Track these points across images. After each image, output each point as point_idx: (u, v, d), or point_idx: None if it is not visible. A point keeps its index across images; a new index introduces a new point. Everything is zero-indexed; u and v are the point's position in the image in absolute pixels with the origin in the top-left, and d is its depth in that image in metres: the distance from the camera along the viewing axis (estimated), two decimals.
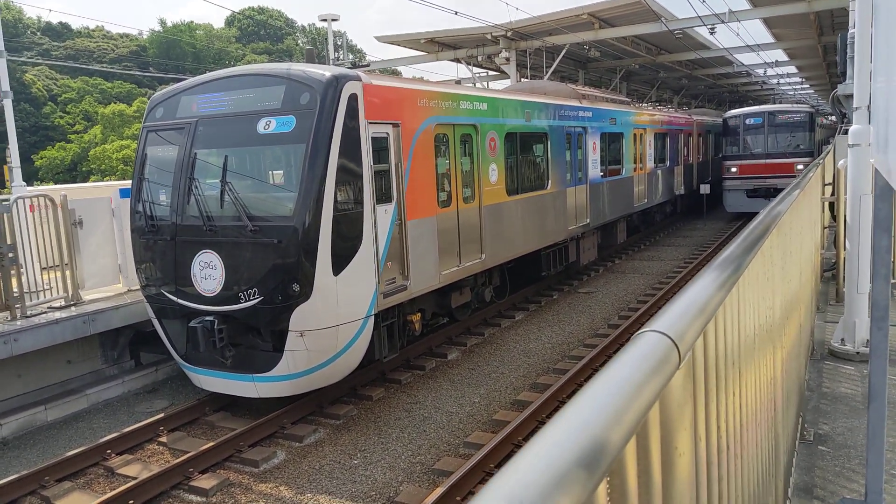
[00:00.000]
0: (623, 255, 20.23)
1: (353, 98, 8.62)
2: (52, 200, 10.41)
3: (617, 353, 1.38)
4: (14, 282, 9.73)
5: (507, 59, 25.12)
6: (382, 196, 9.20)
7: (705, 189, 27.26)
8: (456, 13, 19.63)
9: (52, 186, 24.06)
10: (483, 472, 7.02)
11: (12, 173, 13.24)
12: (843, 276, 8.04)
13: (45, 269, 10.76)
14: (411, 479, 7.19)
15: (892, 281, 5.46)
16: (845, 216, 7.56)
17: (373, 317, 8.94)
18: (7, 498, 7.11)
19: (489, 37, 24.93)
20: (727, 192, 25.41)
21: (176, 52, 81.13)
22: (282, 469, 7.59)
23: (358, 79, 8.83)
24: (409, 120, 9.75)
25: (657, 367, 1.35)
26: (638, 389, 1.24)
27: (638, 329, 1.57)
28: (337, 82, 8.53)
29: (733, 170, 25.09)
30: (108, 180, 49.29)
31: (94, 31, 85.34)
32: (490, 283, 13.03)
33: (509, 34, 24.53)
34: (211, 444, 7.94)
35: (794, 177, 13.83)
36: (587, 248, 17.06)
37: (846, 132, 7.68)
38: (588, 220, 16.58)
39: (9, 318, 9.54)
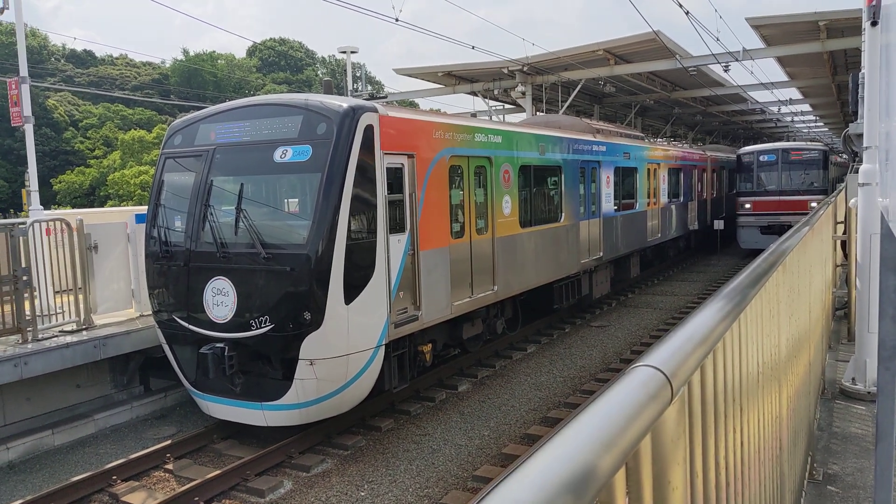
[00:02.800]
0: (636, 290, 20.17)
1: (369, 129, 8.78)
2: (68, 224, 10.59)
3: (609, 386, 1.42)
4: (27, 305, 9.86)
5: (523, 93, 25.41)
6: (396, 226, 9.30)
7: (719, 225, 27.21)
8: (473, 47, 19.97)
9: (68, 210, 24.43)
10: None
11: (30, 197, 13.47)
12: (855, 315, 8.00)
13: (58, 292, 10.90)
14: None
15: None
16: (856, 255, 7.56)
17: (383, 346, 8.97)
18: None
19: (506, 71, 25.26)
20: (741, 229, 25.36)
21: (197, 81, 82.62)
22: (288, 499, 7.57)
23: (374, 110, 8.99)
24: (423, 151, 9.89)
25: (647, 402, 1.39)
26: (627, 422, 1.28)
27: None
28: (353, 113, 8.69)
29: (747, 206, 25.07)
30: (125, 205, 49.93)
31: (117, 58, 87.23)
32: (502, 314, 13.03)
33: (525, 68, 24.85)
34: (217, 472, 7.95)
35: (807, 214, 13.84)
36: (600, 282, 17.04)
37: (857, 171, 7.72)
38: (601, 254, 16.59)
39: (20, 341, 9.66)
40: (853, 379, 7.09)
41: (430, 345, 10.52)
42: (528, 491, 0.92)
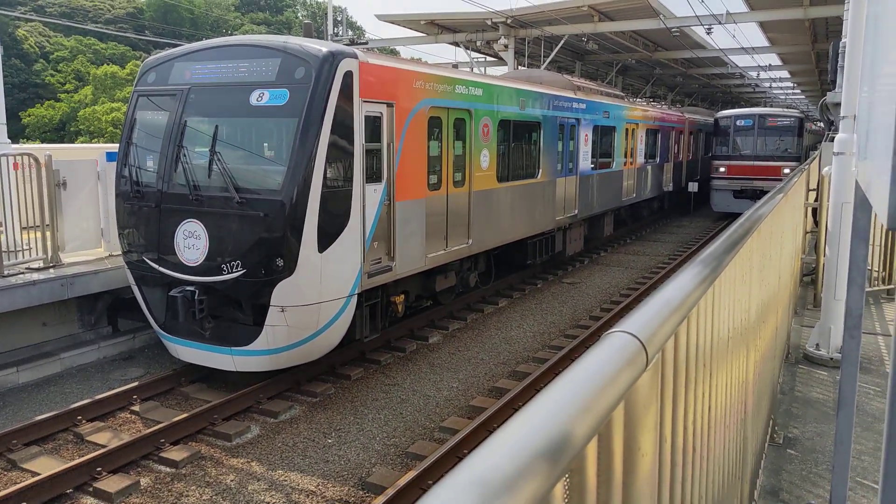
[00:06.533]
0: (609, 248, 20.30)
1: (348, 75, 8.54)
2: (36, 160, 10.24)
3: (585, 352, 1.37)
4: None
5: (506, 47, 24.98)
6: (373, 175, 9.15)
7: (693, 187, 27.38)
8: None
9: (37, 145, 23.73)
10: (456, 458, 7.04)
11: None
12: (822, 282, 8.11)
13: (25, 228, 10.61)
14: (384, 461, 7.21)
15: (867, 289, 5.50)
16: (827, 223, 7.62)
17: (356, 296, 8.91)
18: None
19: (489, 23, 24.76)
20: (714, 192, 25.55)
21: (173, 17, 79.90)
22: (255, 444, 7.57)
23: (354, 56, 8.74)
24: (403, 101, 9.68)
25: (623, 368, 1.34)
26: (602, 389, 1.23)
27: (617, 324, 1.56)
28: (333, 58, 8.43)
29: (721, 170, 25.22)
30: (96, 142, 48.64)
31: None
32: (475, 268, 13.03)
33: (509, 21, 24.38)
34: (184, 415, 7.90)
35: (780, 180, 13.95)
36: (574, 239, 17.10)
37: (832, 140, 7.72)
38: (576, 212, 16.60)
39: None
40: (817, 345, 7.21)
41: (402, 296, 10.49)
42: (505, 457, 0.90)
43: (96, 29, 60.93)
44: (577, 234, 17.32)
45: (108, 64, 67.31)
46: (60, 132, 61.36)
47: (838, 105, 8.35)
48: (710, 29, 23.37)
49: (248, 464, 7.11)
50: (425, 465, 6.72)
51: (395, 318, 10.78)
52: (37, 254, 10.26)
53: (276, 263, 8.13)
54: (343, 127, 8.49)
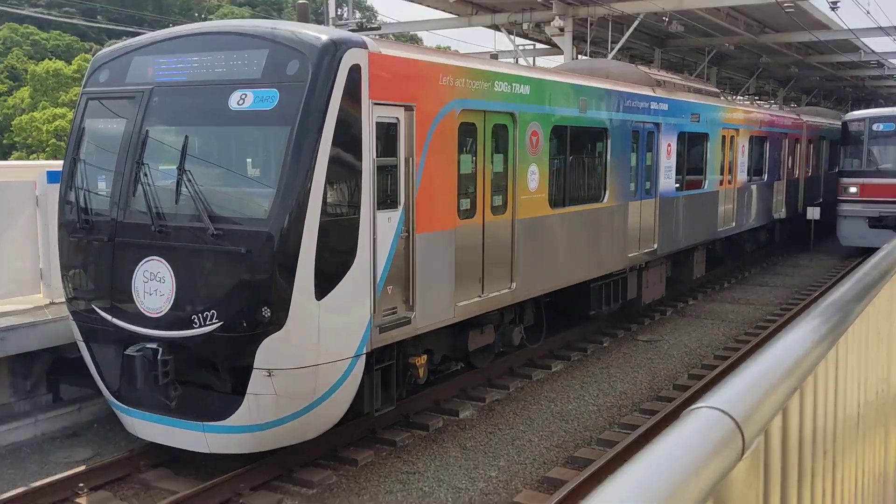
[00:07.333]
0: (699, 295, 20.15)
1: (354, 70, 8.72)
2: None
3: (661, 434, 1.38)
4: None
5: (561, 30, 25.20)
6: (386, 200, 9.28)
7: (814, 214, 27.03)
8: None
9: None
10: None
11: None
12: None
13: None
14: None
15: None
16: None
17: (364, 356, 8.96)
18: None
19: None
20: (842, 220, 25.21)
21: (132, 0, 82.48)
22: None
23: (363, 45, 8.93)
24: (426, 102, 9.84)
25: (711, 456, 1.36)
26: (682, 483, 1.25)
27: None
28: (335, 49, 8.63)
29: (852, 190, 24.90)
30: (35, 158, 50.00)
31: None
32: (521, 320, 13.02)
33: None
34: None
35: None
36: (652, 283, 17.00)
37: None
38: (655, 246, 16.55)
39: None
40: None
41: (424, 357, 10.50)
42: None
43: (36, 14, 63.08)
44: (656, 276, 17.23)
45: (50, 59, 69.42)
46: None
47: None
48: (835, 3, 23.32)
49: None
50: None
51: (416, 385, 10.79)
52: None
53: (261, 314, 8.23)
54: (348, 137, 8.64)
